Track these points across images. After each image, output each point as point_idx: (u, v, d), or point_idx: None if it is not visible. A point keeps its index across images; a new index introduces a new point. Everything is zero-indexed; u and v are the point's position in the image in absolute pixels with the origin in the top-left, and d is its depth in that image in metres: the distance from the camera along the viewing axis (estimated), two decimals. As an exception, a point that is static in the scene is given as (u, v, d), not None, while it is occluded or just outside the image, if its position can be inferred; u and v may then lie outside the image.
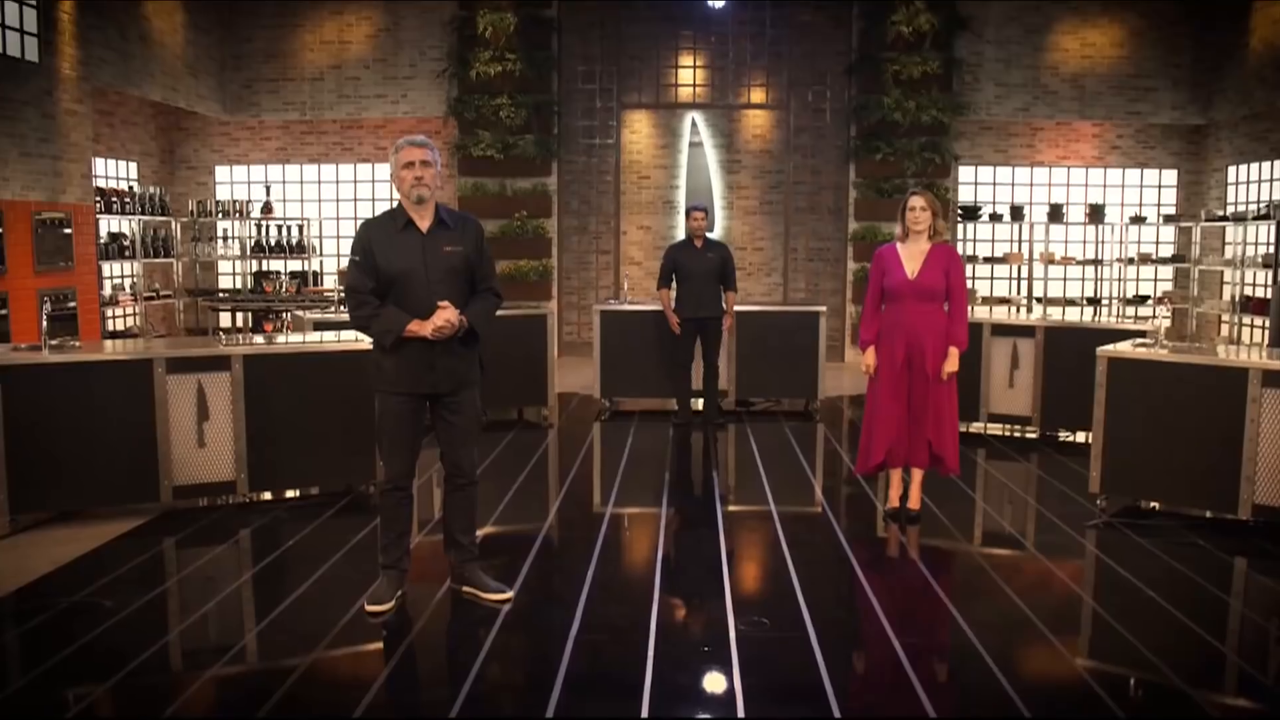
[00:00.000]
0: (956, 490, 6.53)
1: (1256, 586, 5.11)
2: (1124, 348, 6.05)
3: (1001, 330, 8.19)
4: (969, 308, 6.03)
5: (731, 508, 6.46)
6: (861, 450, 5.87)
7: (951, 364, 5.58)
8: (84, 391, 5.66)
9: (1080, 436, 8.11)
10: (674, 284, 8.65)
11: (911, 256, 5.63)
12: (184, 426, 5.88)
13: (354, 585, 4.73)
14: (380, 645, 4.25)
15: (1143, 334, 7.51)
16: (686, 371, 8.78)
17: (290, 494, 6.42)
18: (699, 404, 9.00)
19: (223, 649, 4.19)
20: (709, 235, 8.66)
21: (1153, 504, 6.16)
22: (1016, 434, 8.48)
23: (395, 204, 4.46)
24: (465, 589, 4.63)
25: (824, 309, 9.29)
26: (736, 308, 8.90)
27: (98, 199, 10.94)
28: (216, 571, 5.19)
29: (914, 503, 5.84)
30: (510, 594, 4.61)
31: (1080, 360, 7.67)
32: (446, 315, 4.24)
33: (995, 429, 8.51)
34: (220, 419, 5.93)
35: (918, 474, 5.84)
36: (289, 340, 6.60)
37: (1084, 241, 13.62)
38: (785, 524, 5.97)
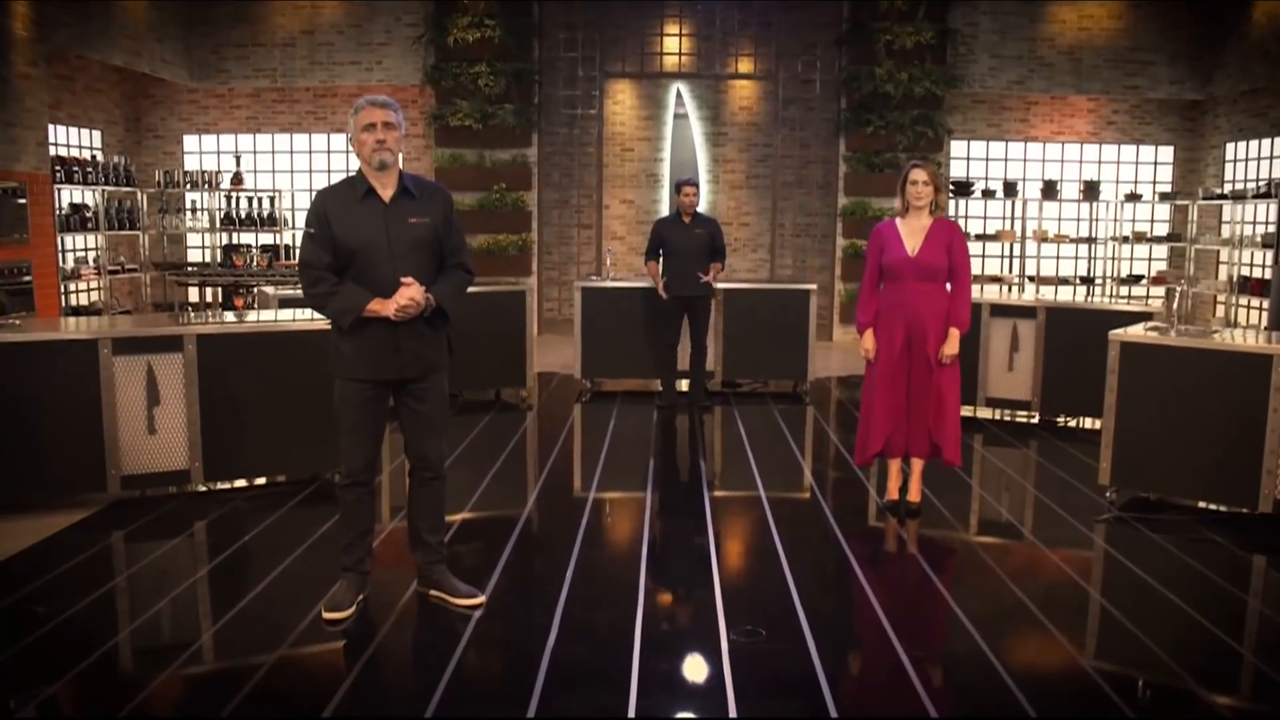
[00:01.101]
0: (955, 479, 6.21)
1: (1277, 585, 4.82)
2: (1137, 331, 5.71)
3: (1001, 311, 7.85)
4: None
5: (719, 493, 6.18)
6: (859, 440, 5.53)
7: (951, 346, 5.23)
8: (23, 374, 5.23)
9: (1084, 422, 7.85)
10: (661, 259, 8.28)
11: (912, 233, 5.27)
12: (133, 412, 5.47)
13: (319, 581, 4.37)
14: (346, 645, 3.93)
15: (1149, 316, 7.20)
16: (672, 351, 8.42)
17: (250, 483, 6.03)
18: (684, 385, 8.66)
19: (176, 651, 3.85)
20: (697, 210, 8.29)
21: (1165, 497, 5.85)
22: (1017, 419, 8.15)
23: (356, 172, 4.05)
24: (433, 592, 4.26)
25: (814, 287, 8.93)
26: (723, 285, 8.55)
27: (58, 168, 10.47)
28: (169, 567, 4.81)
29: (914, 495, 5.51)
30: (482, 599, 4.24)
31: (1084, 343, 7.40)
32: (411, 293, 3.86)
33: (991, 413, 8.19)
34: (172, 403, 5.52)
35: (918, 464, 5.50)
36: (247, 318, 6.19)
37: (1078, 219, 13.34)
38: (776, 511, 5.69)
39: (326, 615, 4.05)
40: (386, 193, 3.95)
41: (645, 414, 8.31)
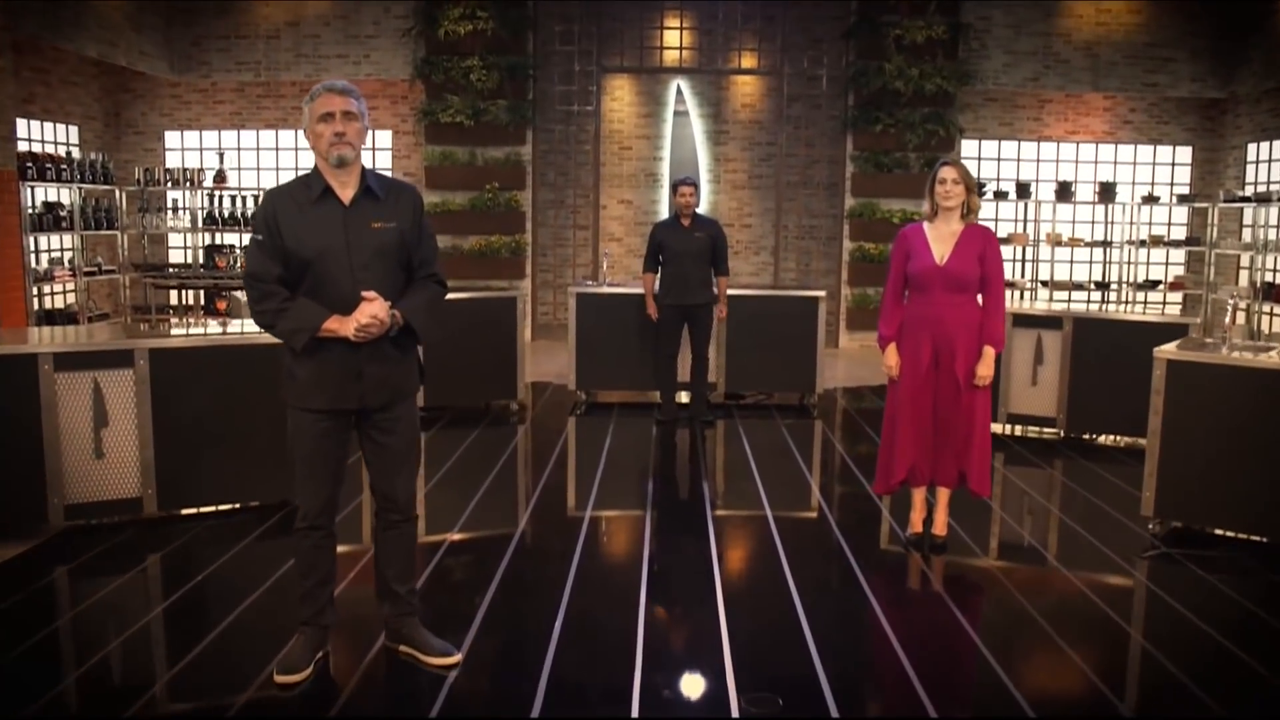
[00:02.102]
0: (979, 504, 5.68)
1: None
2: (1173, 348, 5.20)
3: (1025, 321, 7.34)
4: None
5: (722, 512, 5.80)
6: (880, 466, 5.02)
7: (985, 367, 4.73)
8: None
9: (1114, 439, 7.37)
10: (660, 267, 7.79)
11: (940, 239, 4.77)
12: (78, 434, 4.96)
13: (286, 620, 3.89)
14: (305, 705, 3.45)
15: (1186, 328, 6.71)
16: (672, 362, 7.91)
17: (210, 510, 5.48)
18: (684, 397, 8.17)
19: (126, 699, 3.42)
20: (698, 212, 7.78)
21: (1215, 529, 5.34)
22: (1042, 436, 7.63)
23: (311, 170, 3.51)
24: (403, 648, 3.74)
25: (823, 294, 8.44)
26: (726, 291, 8.05)
27: (29, 164, 9.95)
28: (119, 606, 4.33)
29: (939, 528, 5.01)
30: (458, 657, 3.72)
31: (1114, 356, 6.95)
32: (373, 310, 3.33)
33: (1013, 430, 7.68)
34: (122, 424, 5.01)
35: (944, 495, 5.00)
36: (210, 330, 5.67)
37: (1092, 222, 12.85)
38: (783, 533, 5.30)
39: (279, 679, 3.52)
40: (346, 193, 3.43)
41: (644, 428, 7.83)
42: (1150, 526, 5.30)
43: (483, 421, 7.91)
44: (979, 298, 4.80)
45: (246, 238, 12.39)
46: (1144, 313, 8.12)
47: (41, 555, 4.86)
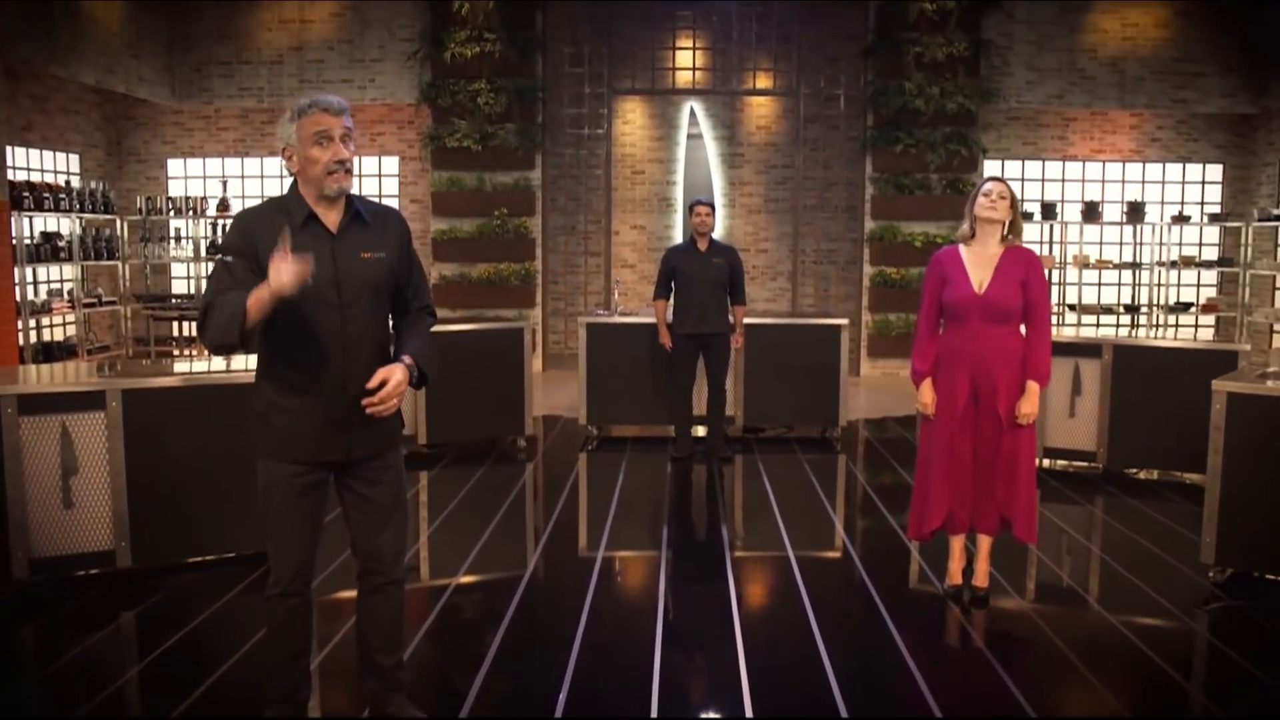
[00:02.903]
0: (1020, 547, 5.25)
1: None
2: (1233, 380, 4.78)
3: (1062, 349, 6.89)
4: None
5: (741, 553, 5.49)
6: (914, 511, 4.61)
7: (1029, 404, 4.33)
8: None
9: (1156, 474, 6.94)
10: (673, 293, 7.41)
11: (979, 263, 4.38)
12: (44, 482, 4.59)
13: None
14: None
15: (1234, 356, 6.28)
16: (687, 395, 7.52)
17: (191, 563, 5.09)
18: (701, 430, 7.78)
19: None
20: (714, 237, 7.41)
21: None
22: (1080, 470, 7.19)
23: (288, 192, 3.10)
24: (387, 728, 3.35)
25: (845, 322, 8.04)
26: (744, 319, 7.67)
27: (26, 193, 9.67)
28: (90, 668, 3.96)
29: (980, 579, 4.58)
30: (450, 737, 3.34)
31: (1158, 385, 6.53)
32: (393, 385, 2.99)
33: (1050, 464, 7.23)
34: (93, 472, 4.64)
35: (985, 543, 4.57)
36: (195, 368, 5.31)
37: (1120, 243, 12.41)
38: (807, 576, 5.01)
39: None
40: (333, 219, 3.03)
41: (658, 464, 7.45)
42: (1210, 574, 4.86)
43: (489, 459, 7.53)
44: (1021, 328, 4.41)
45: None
46: (1190, 339, 7.65)
47: (5, 613, 4.48)
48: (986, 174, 11.88)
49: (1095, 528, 6.06)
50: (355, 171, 3.08)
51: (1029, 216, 11.78)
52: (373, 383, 2.96)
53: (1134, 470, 7.06)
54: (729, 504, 6.66)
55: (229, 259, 2.97)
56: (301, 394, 3.02)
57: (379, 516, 3.20)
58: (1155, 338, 7.02)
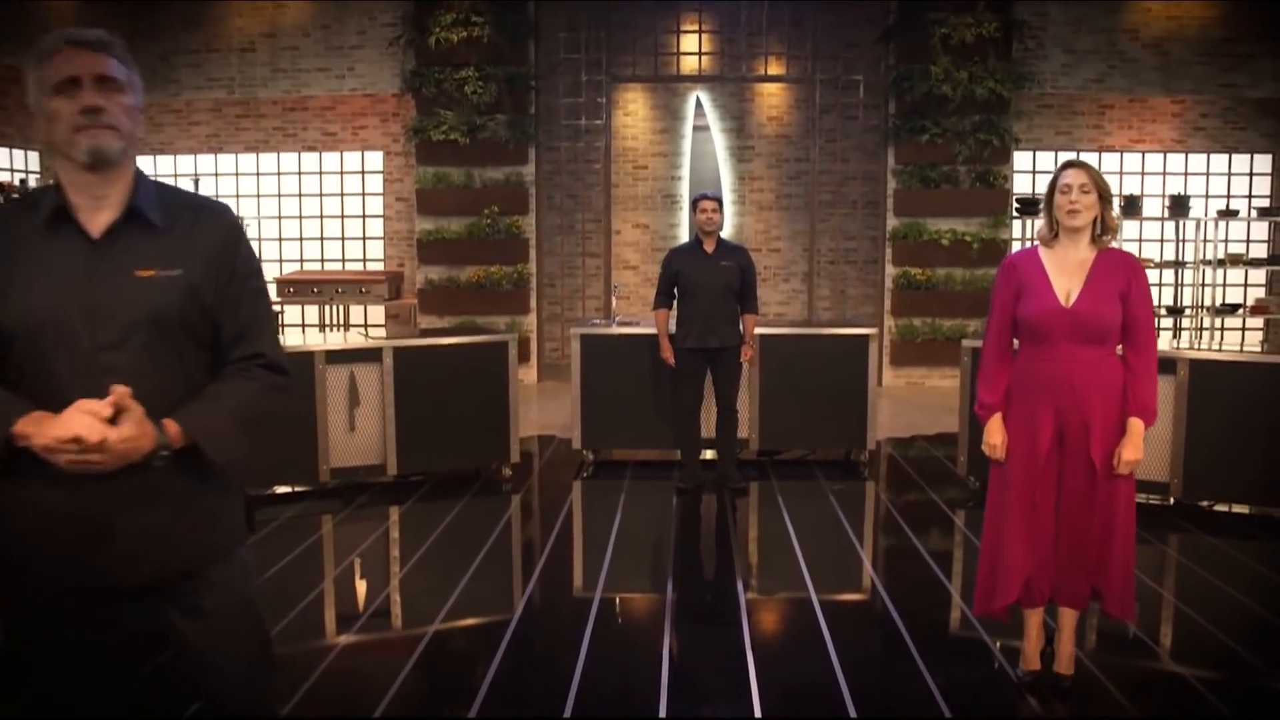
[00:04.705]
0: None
1: None
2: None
3: (1128, 365, 6.01)
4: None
5: (756, 595, 4.89)
6: (982, 581, 3.68)
7: (1132, 448, 3.40)
8: None
9: (1233, 508, 6.06)
10: (676, 301, 6.51)
11: (1065, 269, 3.46)
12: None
13: None
14: None
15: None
16: (694, 417, 6.60)
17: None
18: (710, 453, 6.90)
19: None
20: (722, 236, 6.51)
21: None
22: (1150, 503, 6.25)
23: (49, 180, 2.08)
24: None
25: (873, 331, 7.13)
26: (759, 329, 6.78)
27: (-27, 194, 8.84)
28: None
29: (1065, 665, 3.65)
30: None
31: (1242, 406, 5.65)
32: (87, 426, 1.85)
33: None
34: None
35: (1070, 619, 3.65)
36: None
37: (1161, 240, 11.48)
38: (832, 620, 4.44)
39: None
40: (98, 218, 2.03)
41: (662, 492, 6.58)
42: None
43: (470, 490, 6.62)
44: (1119, 349, 3.50)
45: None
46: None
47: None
48: (1015, 166, 11.00)
49: (1168, 570, 5.19)
50: (120, 128, 2.00)
51: (1064, 212, 10.85)
52: (117, 390, 1.91)
53: (1212, 503, 6.15)
54: (742, 538, 5.87)
55: None
56: (36, 477, 1.96)
57: (214, 674, 2.16)
58: (1241, 352, 6.08)
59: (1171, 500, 6.13)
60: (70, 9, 9.63)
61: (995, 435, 3.56)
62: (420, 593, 4.85)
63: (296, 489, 6.35)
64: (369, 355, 6.29)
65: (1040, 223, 3.55)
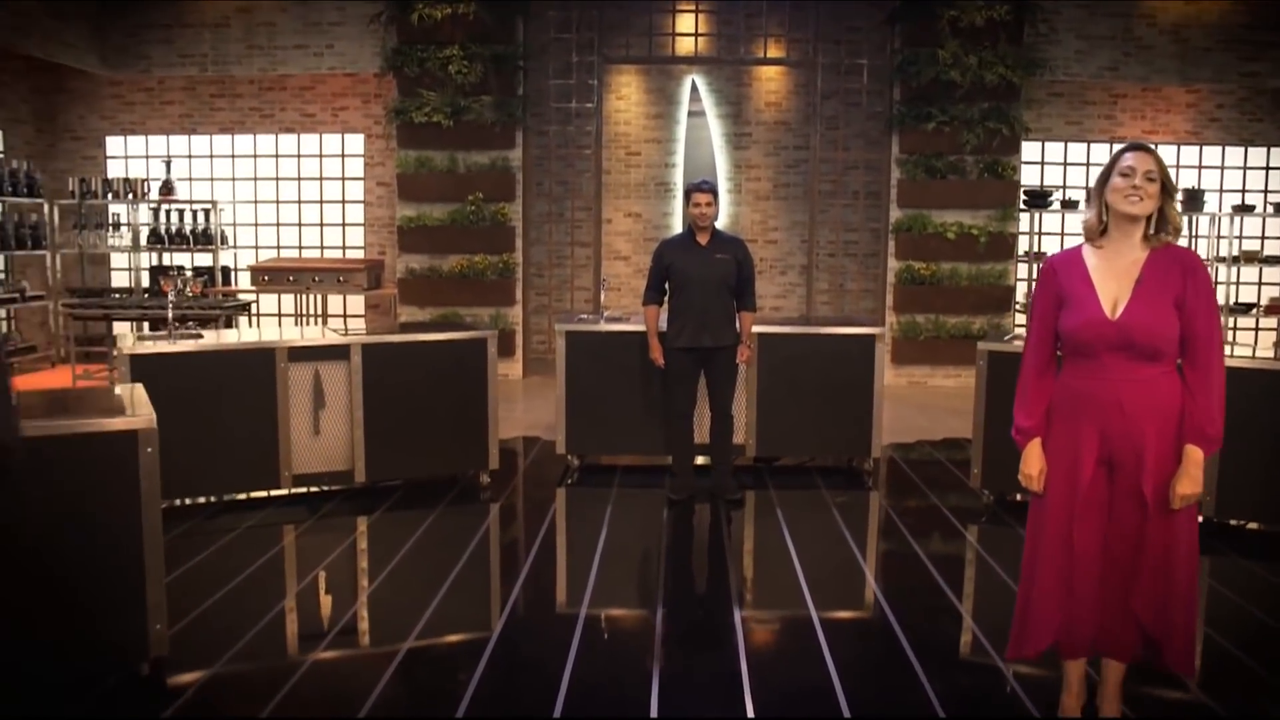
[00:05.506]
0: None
1: None
2: None
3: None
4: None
5: (752, 612, 4.61)
6: (1016, 623, 3.22)
7: (1190, 481, 2.95)
8: None
9: (1263, 526, 5.65)
10: (667, 297, 6.05)
11: (1113, 273, 3.01)
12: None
13: None
14: None
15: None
16: (686, 422, 6.14)
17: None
18: (703, 459, 6.42)
19: None
20: (718, 227, 6.05)
21: None
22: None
23: None
24: None
25: (879, 330, 6.69)
26: (756, 327, 6.33)
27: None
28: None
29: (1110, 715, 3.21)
30: None
31: (1274, 417, 5.24)
32: None
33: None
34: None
35: (1117, 672, 3.20)
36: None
37: (1175, 235, 11.04)
38: (833, 640, 4.19)
39: None
40: None
41: (652, 500, 6.17)
42: None
43: (445, 498, 6.16)
44: (1177, 364, 3.05)
45: (199, 258, 10.75)
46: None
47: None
48: (1025, 157, 10.53)
49: (1223, 608, 4.78)
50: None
51: (1073, 205, 10.42)
52: None
53: (1245, 522, 5.72)
54: (737, 551, 5.54)
55: None
56: None
57: None
58: (1276, 359, 5.63)
59: (1201, 518, 5.69)
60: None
61: (1032, 464, 3.10)
62: (391, 609, 4.52)
63: (255, 496, 5.91)
64: (335, 353, 5.80)
65: (1088, 214, 3.08)
